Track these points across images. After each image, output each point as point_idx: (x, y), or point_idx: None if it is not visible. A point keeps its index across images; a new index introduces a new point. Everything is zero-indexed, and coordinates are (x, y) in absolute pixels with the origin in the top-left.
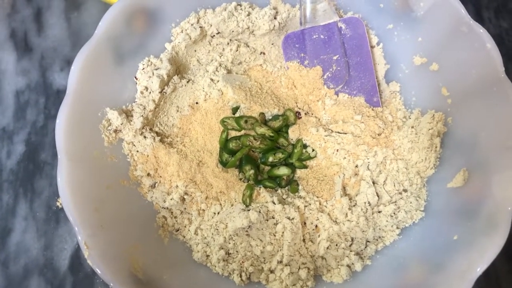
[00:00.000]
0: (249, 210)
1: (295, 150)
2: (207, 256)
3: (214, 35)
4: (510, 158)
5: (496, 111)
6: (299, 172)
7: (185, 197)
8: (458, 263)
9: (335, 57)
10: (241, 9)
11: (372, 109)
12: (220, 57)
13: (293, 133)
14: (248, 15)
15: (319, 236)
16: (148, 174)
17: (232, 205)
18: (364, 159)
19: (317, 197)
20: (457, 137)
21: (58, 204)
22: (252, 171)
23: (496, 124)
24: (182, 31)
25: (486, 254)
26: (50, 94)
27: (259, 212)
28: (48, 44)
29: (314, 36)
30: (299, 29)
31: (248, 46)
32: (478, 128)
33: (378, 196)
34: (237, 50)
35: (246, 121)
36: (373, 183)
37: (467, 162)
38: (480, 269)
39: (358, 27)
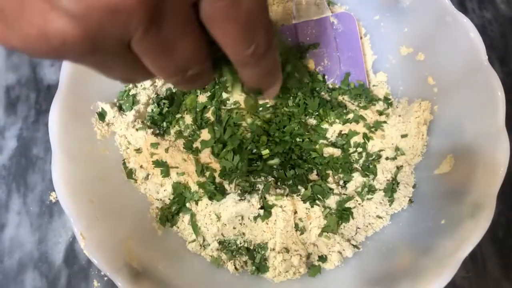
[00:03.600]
0: (241, 200)
1: None
2: (201, 246)
3: None
4: (494, 144)
5: (480, 99)
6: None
7: (178, 187)
8: (445, 246)
9: (326, 52)
10: None
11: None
12: None
13: None
14: None
15: (310, 223)
16: (141, 166)
17: (225, 195)
18: (354, 148)
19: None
20: (443, 124)
21: (51, 198)
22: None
23: (480, 111)
24: None
25: (472, 236)
26: (40, 89)
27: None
28: None
29: (307, 31)
30: (291, 23)
31: None
32: (463, 116)
33: (367, 184)
34: None
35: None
36: (363, 171)
37: (453, 148)
38: (466, 250)
39: (350, 23)
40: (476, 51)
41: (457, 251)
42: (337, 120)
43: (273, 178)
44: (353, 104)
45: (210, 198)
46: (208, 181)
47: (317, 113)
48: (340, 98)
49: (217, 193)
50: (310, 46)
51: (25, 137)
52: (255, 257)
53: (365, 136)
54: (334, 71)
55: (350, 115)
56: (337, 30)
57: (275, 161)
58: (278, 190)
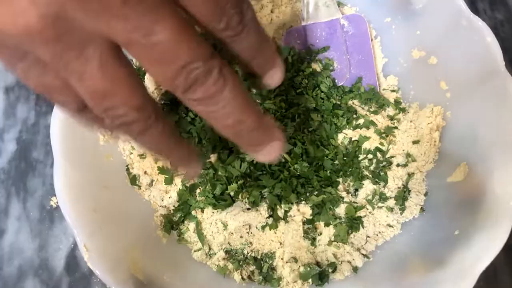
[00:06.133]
0: (248, 209)
1: None
2: (207, 255)
3: None
4: (510, 152)
5: (496, 105)
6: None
7: (184, 195)
8: (460, 259)
9: (336, 55)
10: None
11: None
12: None
13: None
14: None
15: (319, 233)
16: (145, 172)
17: (232, 203)
18: (364, 154)
19: None
20: (456, 131)
21: (52, 203)
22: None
23: (496, 118)
24: None
25: (489, 250)
26: None
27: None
28: None
29: (316, 33)
30: (301, 25)
31: None
32: (478, 122)
33: (378, 192)
34: None
35: None
36: (374, 178)
37: (467, 156)
38: (483, 264)
39: (361, 25)
40: (493, 56)
41: (473, 265)
42: (347, 126)
43: (281, 186)
44: (363, 109)
45: (215, 207)
46: (207, 190)
47: (330, 117)
48: (350, 102)
49: (218, 204)
50: (319, 49)
51: (25, 140)
52: (262, 267)
53: (381, 144)
54: (344, 74)
55: (361, 121)
56: (348, 33)
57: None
58: (287, 198)
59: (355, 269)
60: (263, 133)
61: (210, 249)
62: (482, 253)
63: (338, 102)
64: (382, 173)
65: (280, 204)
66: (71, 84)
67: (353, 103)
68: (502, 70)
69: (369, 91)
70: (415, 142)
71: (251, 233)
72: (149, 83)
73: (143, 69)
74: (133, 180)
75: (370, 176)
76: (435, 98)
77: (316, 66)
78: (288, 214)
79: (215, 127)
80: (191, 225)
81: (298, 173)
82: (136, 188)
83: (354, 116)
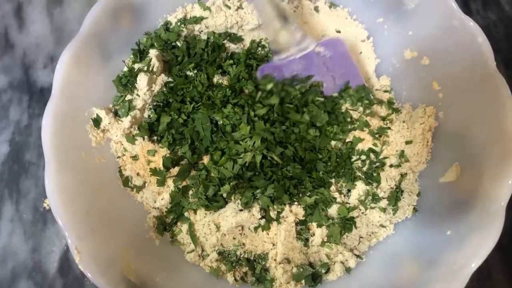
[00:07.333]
0: (241, 210)
1: None
2: (200, 256)
3: (202, 31)
4: (501, 153)
5: (487, 106)
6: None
7: (176, 196)
8: (452, 259)
9: (318, 77)
10: (229, 3)
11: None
12: None
13: None
14: (237, 9)
15: (312, 233)
16: (138, 174)
17: (225, 205)
18: (357, 155)
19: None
20: (448, 131)
21: (45, 205)
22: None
23: (487, 118)
24: None
25: (481, 250)
26: (33, 92)
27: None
28: (30, 41)
29: (293, 69)
30: (275, 63)
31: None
32: (470, 123)
33: (371, 192)
34: None
35: None
36: (366, 179)
37: (459, 156)
38: (474, 264)
39: (338, 47)
40: (484, 57)
41: (465, 265)
42: (341, 134)
43: (273, 187)
44: (356, 112)
45: (207, 208)
46: (200, 191)
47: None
48: (343, 108)
49: (210, 205)
50: (303, 79)
51: (18, 142)
52: (255, 268)
53: (374, 145)
54: (331, 89)
55: (355, 125)
56: (325, 56)
57: (273, 169)
58: (279, 200)
59: (348, 270)
60: None
61: (203, 250)
62: (474, 252)
63: (332, 112)
64: (375, 174)
65: (273, 205)
66: None
67: (346, 108)
68: (493, 71)
69: (358, 91)
70: (408, 143)
71: (244, 234)
72: (141, 84)
73: (135, 70)
74: (126, 182)
75: (363, 177)
76: (428, 99)
77: (304, 88)
78: (281, 215)
79: None
80: (184, 227)
81: (290, 174)
82: (128, 190)
83: (348, 120)
